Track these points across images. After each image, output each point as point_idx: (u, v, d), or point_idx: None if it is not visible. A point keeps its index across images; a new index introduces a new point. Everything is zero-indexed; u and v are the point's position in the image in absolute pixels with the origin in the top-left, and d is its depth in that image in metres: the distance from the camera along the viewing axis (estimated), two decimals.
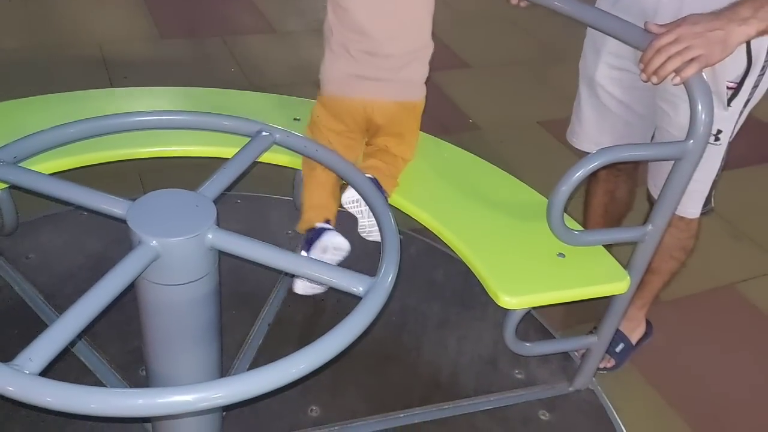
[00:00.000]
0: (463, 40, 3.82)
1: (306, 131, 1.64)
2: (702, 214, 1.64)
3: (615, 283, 1.46)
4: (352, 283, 0.94)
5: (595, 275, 1.46)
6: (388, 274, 0.96)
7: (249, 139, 1.26)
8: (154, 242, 0.97)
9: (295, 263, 0.99)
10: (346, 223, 1.61)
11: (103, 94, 1.82)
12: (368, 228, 1.51)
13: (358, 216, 1.51)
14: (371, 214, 1.40)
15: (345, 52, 1.47)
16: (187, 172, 1.63)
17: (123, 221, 1.01)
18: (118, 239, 1.75)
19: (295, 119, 1.76)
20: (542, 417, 1.66)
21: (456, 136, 2.93)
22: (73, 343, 1.51)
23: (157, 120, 1.28)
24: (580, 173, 1.27)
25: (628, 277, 1.47)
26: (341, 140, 1.57)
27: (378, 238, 1.48)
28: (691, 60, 1.20)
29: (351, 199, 1.47)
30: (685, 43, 1.20)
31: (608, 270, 1.47)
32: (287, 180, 2.10)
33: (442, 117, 3.10)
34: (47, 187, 1.05)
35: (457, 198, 1.62)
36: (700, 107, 1.23)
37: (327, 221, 1.52)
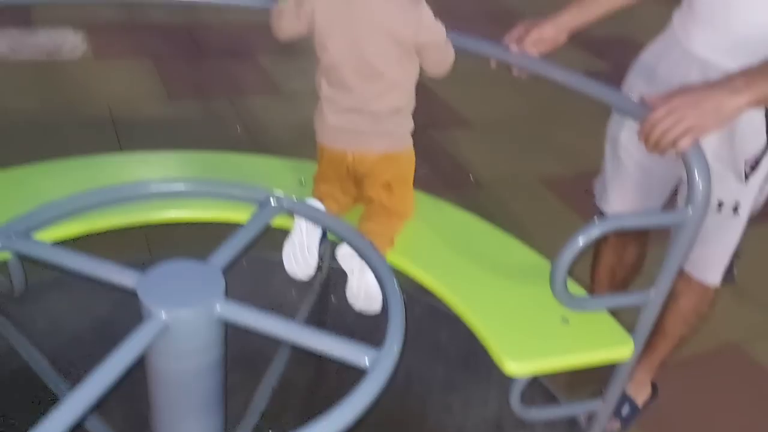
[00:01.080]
0: (463, 99, 3.91)
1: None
2: (723, 283, 1.66)
3: (619, 348, 1.45)
4: (357, 355, 0.94)
5: (600, 340, 1.45)
6: (393, 346, 0.97)
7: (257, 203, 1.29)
8: (163, 314, 0.98)
9: (301, 335, 1.00)
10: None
11: (113, 159, 1.85)
12: (356, 289, 1.51)
13: (348, 273, 1.52)
14: (363, 271, 1.45)
15: (332, 105, 1.53)
16: (195, 232, 1.66)
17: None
18: (124, 303, 1.77)
19: (301, 184, 1.79)
20: None
21: (458, 195, 2.96)
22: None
23: (167, 188, 1.31)
24: (580, 242, 1.28)
25: (632, 343, 1.46)
26: (333, 188, 1.62)
27: (366, 307, 1.51)
28: (686, 130, 1.22)
29: (347, 252, 1.48)
30: (678, 115, 1.22)
31: (612, 335, 1.47)
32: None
33: (444, 175, 3.15)
34: (59, 259, 1.07)
35: (459, 260, 1.62)
36: (697, 176, 1.25)
37: None
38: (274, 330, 1.01)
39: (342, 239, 1.30)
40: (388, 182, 1.62)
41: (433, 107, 3.80)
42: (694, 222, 1.30)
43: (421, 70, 1.54)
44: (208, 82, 3.76)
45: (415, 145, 3.42)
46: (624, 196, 1.74)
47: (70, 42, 3.89)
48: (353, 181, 1.64)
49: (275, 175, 1.83)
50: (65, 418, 0.81)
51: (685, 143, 1.23)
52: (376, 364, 0.92)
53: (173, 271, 1.07)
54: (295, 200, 1.33)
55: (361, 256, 1.23)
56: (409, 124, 1.61)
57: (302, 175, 1.81)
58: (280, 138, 3.28)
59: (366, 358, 0.94)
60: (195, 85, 3.70)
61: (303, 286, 1.81)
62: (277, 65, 4.01)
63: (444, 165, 3.25)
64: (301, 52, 4.30)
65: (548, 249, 1.52)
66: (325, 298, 2.00)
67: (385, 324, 1.02)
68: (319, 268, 1.61)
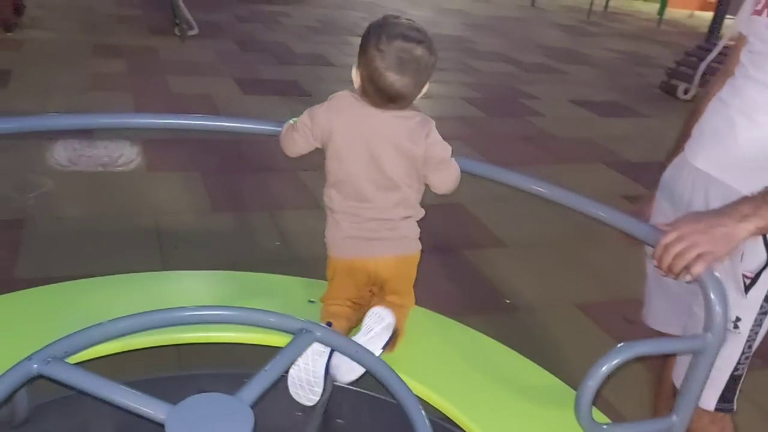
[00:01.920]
0: (498, 219, 3.95)
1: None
2: (718, 410, 1.59)
3: None
4: None
5: None
6: None
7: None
8: None
9: None
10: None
11: (151, 277, 1.92)
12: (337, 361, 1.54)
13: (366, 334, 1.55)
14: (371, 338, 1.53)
15: (350, 217, 1.61)
16: (226, 347, 1.70)
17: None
18: (130, 425, 1.75)
19: (310, 301, 1.82)
20: None
21: (492, 317, 2.94)
22: None
23: (204, 315, 1.34)
24: (604, 369, 1.27)
25: None
26: (343, 307, 1.68)
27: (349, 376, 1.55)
28: (698, 257, 1.25)
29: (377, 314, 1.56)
30: (689, 241, 1.26)
31: None
32: None
33: (479, 297, 3.13)
34: (92, 387, 1.08)
35: (480, 386, 1.62)
36: (713, 300, 1.27)
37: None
38: None
39: (372, 372, 1.28)
40: (405, 282, 1.73)
41: (468, 228, 3.84)
42: (714, 347, 1.31)
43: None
44: (250, 196, 3.89)
45: (449, 266, 3.48)
46: (667, 311, 1.73)
47: (126, 155, 4.11)
48: (370, 289, 1.70)
49: (290, 294, 1.89)
50: None
51: (698, 269, 1.25)
52: None
53: (203, 405, 1.07)
54: (330, 331, 1.33)
55: (390, 389, 1.21)
56: (418, 229, 1.71)
57: (313, 294, 1.84)
58: (318, 252, 3.32)
59: None
60: (238, 198, 3.83)
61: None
62: (315, 180, 4.14)
63: (478, 286, 3.23)
64: None
65: (582, 375, 1.50)
66: (330, 420, 1.95)
67: None
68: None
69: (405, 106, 1.55)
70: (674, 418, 1.42)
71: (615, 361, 1.28)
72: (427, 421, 1.12)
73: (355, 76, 1.54)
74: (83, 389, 1.08)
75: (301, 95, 5.89)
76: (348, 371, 1.55)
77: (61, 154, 4.00)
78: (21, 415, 1.60)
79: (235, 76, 6.12)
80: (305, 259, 3.20)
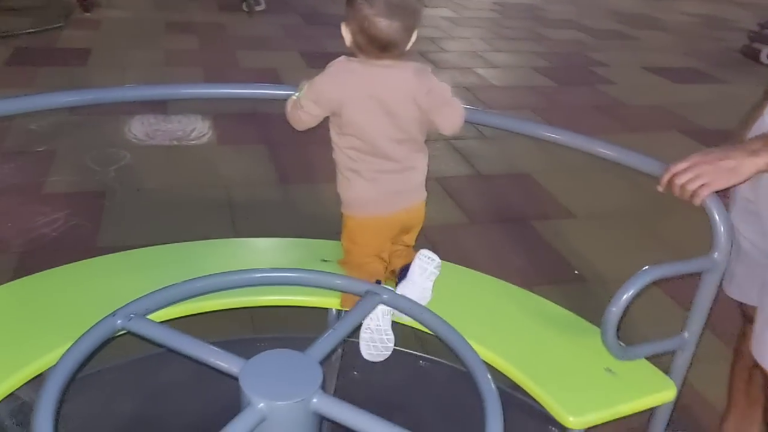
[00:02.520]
0: (567, 190, 3.87)
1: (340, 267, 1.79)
2: None
3: (663, 392, 1.59)
4: None
5: (645, 387, 1.58)
6: None
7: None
8: (261, 404, 1.01)
9: None
10: None
11: (224, 244, 2.00)
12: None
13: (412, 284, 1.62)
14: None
15: (383, 174, 1.66)
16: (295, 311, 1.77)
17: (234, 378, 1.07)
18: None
19: (323, 260, 1.87)
20: None
21: (561, 288, 2.89)
22: None
23: (277, 277, 1.39)
24: (627, 295, 1.44)
25: (675, 386, 1.60)
26: (377, 258, 1.75)
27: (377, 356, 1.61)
28: (702, 186, 1.37)
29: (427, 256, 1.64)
30: (695, 172, 1.38)
31: (656, 381, 1.61)
32: None
33: (547, 268, 3.09)
34: (172, 342, 1.14)
35: (544, 351, 1.67)
36: (718, 222, 1.46)
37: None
38: (369, 429, 1.01)
39: (434, 332, 1.30)
40: (421, 223, 1.82)
41: (536, 199, 3.78)
42: (721, 266, 1.50)
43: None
44: (315, 168, 3.94)
45: (517, 237, 3.45)
46: (746, 279, 1.68)
47: (199, 128, 4.24)
48: (396, 238, 1.79)
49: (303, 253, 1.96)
50: None
51: (700, 197, 1.39)
52: None
53: (274, 362, 1.11)
54: (395, 293, 1.35)
55: (454, 350, 1.22)
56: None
57: (325, 254, 1.91)
58: None
59: None
60: (303, 170, 3.90)
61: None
62: None
63: (546, 257, 3.19)
64: None
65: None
66: (347, 373, 2.03)
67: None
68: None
69: (399, 55, 1.58)
70: (685, 334, 1.61)
71: (634, 288, 1.44)
72: (493, 386, 1.12)
73: (346, 32, 1.58)
74: (163, 344, 1.14)
75: None
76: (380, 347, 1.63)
77: (138, 128, 4.17)
78: None
79: (300, 50, 6.17)
80: None
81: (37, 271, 1.78)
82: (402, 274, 1.68)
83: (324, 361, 1.14)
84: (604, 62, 6.73)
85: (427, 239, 3.19)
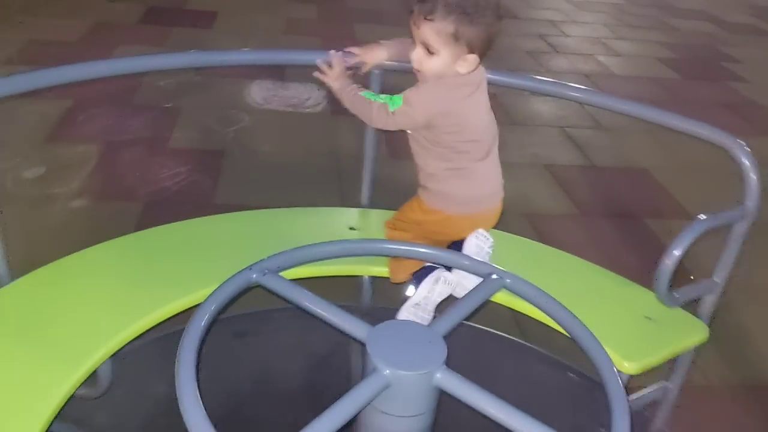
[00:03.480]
0: (686, 188, 3.67)
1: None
2: None
3: (698, 334, 1.73)
4: None
5: (682, 331, 1.72)
6: None
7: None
8: (387, 372, 1.03)
9: (515, 420, 0.99)
10: None
11: (342, 212, 2.11)
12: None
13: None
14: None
15: (488, 170, 1.72)
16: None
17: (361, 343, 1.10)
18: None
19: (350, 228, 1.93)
20: None
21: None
22: None
23: (403, 250, 1.41)
24: (682, 246, 1.61)
25: (707, 328, 1.74)
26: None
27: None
28: None
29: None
30: None
31: (691, 324, 1.76)
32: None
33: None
34: (303, 300, 1.18)
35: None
36: (750, 173, 1.71)
37: None
38: (490, 409, 1.01)
39: (557, 321, 1.27)
40: None
41: (652, 195, 3.62)
42: (751, 214, 1.72)
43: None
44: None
45: (629, 234, 3.32)
46: None
47: (314, 97, 4.32)
48: None
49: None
50: None
51: None
52: None
53: (399, 331, 1.13)
54: (519, 278, 1.33)
55: (581, 344, 1.20)
56: None
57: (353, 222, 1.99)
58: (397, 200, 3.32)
59: None
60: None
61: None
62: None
63: (659, 258, 3.04)
64: (519, 123, 4.36)
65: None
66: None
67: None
68: None
69: None
70: (715, 277, 1.82)
71: (688, 238, 1.59)
72: (620, 383, 1.09)
73: (462, 58, 1.55)
74: (295, 302, 1.19)
75: None
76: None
77: (256, 93, 4.30)
78: (103, 386, 1.64)
79: None
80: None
81: (160, 221, 1.89)
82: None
83: (447, 337, 1.14)
84: (736, 58, 6.29)
85: (533, 228, 3.14)
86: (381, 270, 1.76)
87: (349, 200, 3.19)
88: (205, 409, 0.93)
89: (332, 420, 0.94)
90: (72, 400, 1.32)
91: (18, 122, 3.51)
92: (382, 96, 1.67)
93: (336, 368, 2.01)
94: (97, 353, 1.40)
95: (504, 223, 3.40)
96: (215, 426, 0.91)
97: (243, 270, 1.23)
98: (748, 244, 1.87)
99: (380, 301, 2.08)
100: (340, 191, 3.30)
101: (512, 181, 3.52)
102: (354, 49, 1.82)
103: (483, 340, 2.23)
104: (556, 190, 3.54)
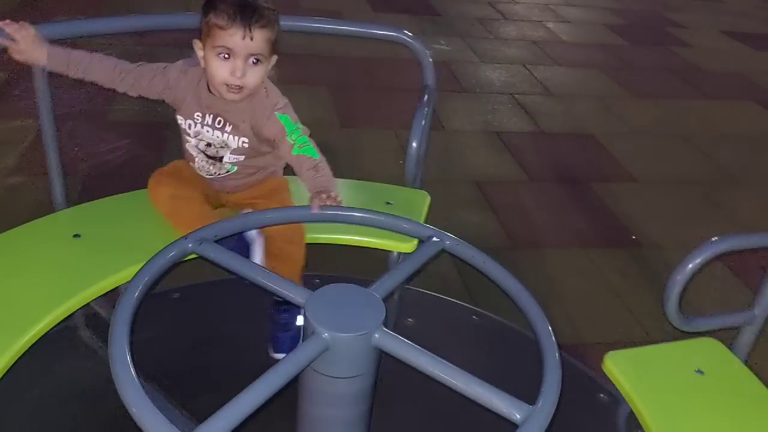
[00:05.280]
0: (631, 153, 3.75)
1: None
2: None
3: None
4: (510, 409, 0.93)
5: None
6: (548, 404, 0.94)
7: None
8: (326, 334, 1.03)
9: (454, 378, 1.00)
10: None
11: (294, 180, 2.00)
12: None
13: None
14: None
15: None
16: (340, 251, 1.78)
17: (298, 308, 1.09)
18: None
19: (387, 203, 1.90)
20: None
21: (616, 252, 2.84)
22: None
23: (343, 215, 1.41)
24: (692, 264, 1.39)
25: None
26: None
27: None
28: None
29: None
30: None
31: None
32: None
33: (604, 231, 3.03)
34: (241, 268, 1.17)
35: None
36: None
37: None
38: (428, 367, 1.02)
39: (495, 281, 1.29)
40: None
41: (599, 160, 3.68)
42: None
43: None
44: (376, 114, 3.92)
45: (577, 197, 3.39)
46: None
47: None
48: None
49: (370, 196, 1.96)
50: (229, 419, 0.87)
51: None
52: (529, 421, 0.90)
53: (339, 295, 1.12)
54: (458, 240, 1.34)
55: (516, 301, 1.21)
56: None
57: (390, 197, 1.94)
58: (438, 172, 3.34)
59: (518, 413, 0.92)
60: (365, 115, 3.88)
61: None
62: (442, 103, 4.10)
63: (604, 220, 3.12)
64: (469, 90, 4.37)
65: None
66: (401, 320, 2.06)
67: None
68: None
69: None
70: (756, 309, 1.54)
71: (700, 258, 1.39)
72: (553, 337, 1.11)
73: (272, 61, 1.64)
74: (232, 270, 1.17)
75: (432, 14, 5.77)
76: None
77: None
78: None
79: None
80: (425, 180, 3.22)
81: (102, 195, 1.84)
82: None
83: (386, 300, 1.15)
84: (681, 23, 6.42)
85: (483, 194, 3.17)
86: (329, 237, 1.76)
87: None
88: (143, 380, 0.92)
89: (272, 382, 0.94)
90: None
91: None
92: (297, 140, 1.66)
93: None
94: (31, 330, 1.36)
95: (454, 189, 3.44)
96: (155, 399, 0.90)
97: (179, 240, 1.20)
98: None
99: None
100: None
101: (462, 149, 3.63)
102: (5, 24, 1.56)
103: (430, 305, 2.26)
104: (506, 156, 3.57)
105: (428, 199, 2.01)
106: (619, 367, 1.46)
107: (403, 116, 3.90)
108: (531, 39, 5.47)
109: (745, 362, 1.56)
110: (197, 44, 1.58)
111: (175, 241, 1.20)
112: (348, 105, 3.95)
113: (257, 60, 1.54)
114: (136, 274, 1.09)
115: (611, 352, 1.50)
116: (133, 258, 1.49)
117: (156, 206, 1.71)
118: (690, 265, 1.40)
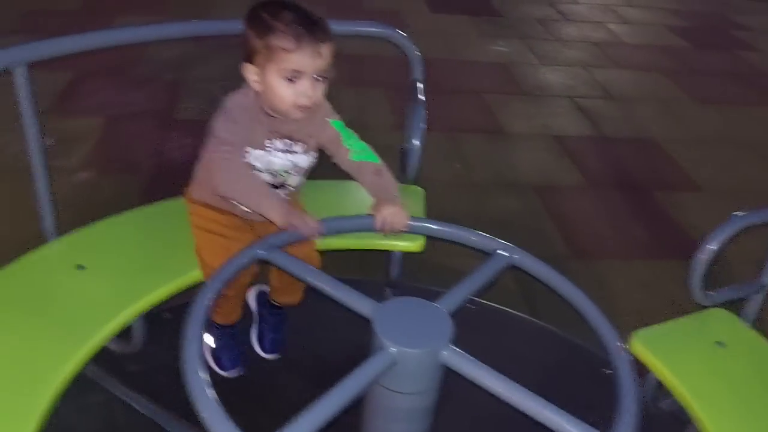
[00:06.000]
0: (695, 161, 3.63)
1: None
2: None
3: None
4: None
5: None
6: None
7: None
8: (393, 349, 1.03)
9: (524, 400, 0.99)
10: None
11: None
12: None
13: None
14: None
15: None
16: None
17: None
18: None
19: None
20: None
21: (680, 264, 2.74)
22: None
23: (418, 227, 1.41)
24: (715, 242, 1.48)
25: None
26: None
27: None
28: None
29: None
30: None
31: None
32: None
33: (668, 240, 2.94)
34: (308, 276, 1.17)
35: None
36: None
37: None
38: (497, 388, 1.01)
39: (566, 297, 1.26)
40: None
41: (661, 167, 3.58)
42: None
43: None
44: (433, 115, 3.87)
45: (637, 204, 3.29)
46: None
47: None
48: None
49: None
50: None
51: None
52: None
53: (406, 308, 1.12)
54: (526, 254, 1.32)
55: (592, 324, 1.19)
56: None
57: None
58: (495, 176, 3.29)
59: None
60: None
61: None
62: (501, 105, 4.05)
63: (666, 230, 3.03)
64: (528, 92, 4.31)
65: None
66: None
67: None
68: None
69: None
70: (765, 278, 1.67)
71: (724, 235, 1.48)
72: (625, 352, 1.08)
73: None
74: (301, 277, 1.18)
75: (491, 15, 5.71)
76: None
77: None
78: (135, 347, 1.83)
79: None
80: (482, 184, 3.19)
81: (168, 195, 1.87)
82: None
83: (454, 314, 1.13)
84: (746, 26, 6.18)
85: (542, 200, 3.12)
86: (381, 244, 1.75)
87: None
88: (212, 384, 0.93)
89: (338, 398, 0.94)
90: None
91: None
92: (354, 145, 1.59)
93: (344, 341, 2.01)
94: (105, 328, 1.40)
95: (511, 194, 3.39)
96: (224, 407, 0.91)
97: (249, 247, 1.22)
98: None
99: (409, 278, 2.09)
100: None
101: (521, 153, 3.57)
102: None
103: (491, 316, 2.22)
104: (565, 161, 3.51)
105: (423, 193, 2.04)
106: (645, 344, 1.53)
107: (460, 118, 3.89)
108: (592, 40, 5.35)
109: (755, 328, 1.68)
110: (249, 68, 1.44)
111: (245, 249, 1.21)
112: (402, 106, 3.92)
113: (323, 76, 1.45)
114: (207, 282, 1.11)
115: (635, 331, 1.56)
116: (147, 284, 1.52)
117: (197, 240, 1.61)
118: (711, 244, 1.50)
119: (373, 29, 2.03)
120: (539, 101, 4.20)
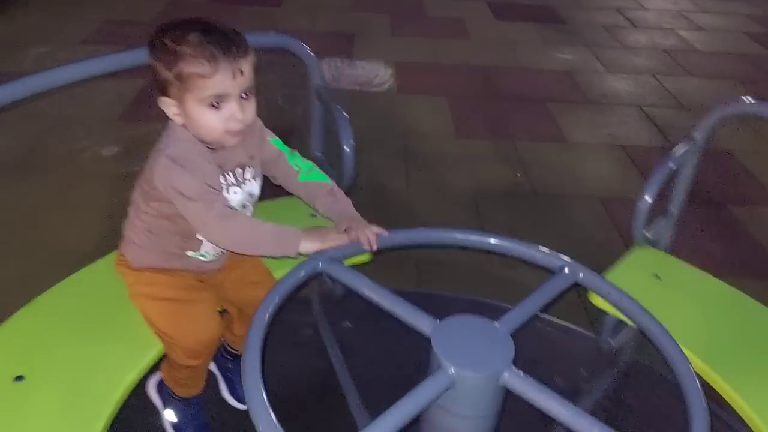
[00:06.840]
0: None
1: None
2: None
3: None
4: None
5: None
6: None
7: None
8: (452, 370, 1.00)
9: (586, 426, 0.94)
10: None
11: None
12: None
13: None
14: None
15: None
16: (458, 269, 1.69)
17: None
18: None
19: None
20: None
21: (762, 283, 2.61)
22: None
23: (480, 241, 1.37)
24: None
25: None
26: None
27: None
28: None
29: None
30: None
31: None
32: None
33: (746, 258, 2.80)
34: (366, 290, 1.16)
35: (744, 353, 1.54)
36: None
37: None
38: (558, 413, 0.96)
39: (633, 319, 1.21)
40: None
41: (737, 180, 3.41)
42: None
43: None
44: (495, 124, 3.84)
45: (712, 219, 3.17)
46: None
47: (381, 75, 4.28)
48: None
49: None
50: None
51: None
52: None
53: (465, 327, 1.09)
54: (592, 273, 1.27)
55: (656, 344, 1.13)
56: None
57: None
58: (558, 186, 3.21)
59: None
60: (482, 125, 3.81)
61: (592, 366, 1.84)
62: (565, 114, 3.96)
63: (746, 247, 2.88)
64: (594, 101, 4.19)
65: None
66: (621, 392, 1.94)
67: None
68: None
69: None
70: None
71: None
72: (699, 386, 1.03)
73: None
74: (359, 291, 1.16)
75: (556, 22, 5.60)
76: None
77: (325, 71, 4.28)
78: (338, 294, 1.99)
79: (488, 0, 5.99)
80: (544, 194, 3.12)
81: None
82: None
83: (514, 335, 1.10)
84: None
85: (608, 212, 3.02)
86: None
87: (414, 181, 3.15)
88: (270, 399, 0.93)
89: (394, 419, 0.92)
90: None
91: (93, 101, 3.62)
92: (301, 164, 1.52)
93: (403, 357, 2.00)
94: None
95: (577, 205, 3.31)
96: (282, 424, 0.90)
97: (310, 258, 1.22)
98: None
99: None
100: (405, 172, 3.26)
101: (586, 162, 3.47)
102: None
103: (551, 331, 2.17)
104: (633, 172, 3.39)
105: None
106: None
107: (523, 127, 3.82)
108: (661, 48, 5.18)
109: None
110: (166, 102, 1.28)
111: (306, 260, 1.21)
112: (465, 114, 3.89)
113: (249, 93, 1.29)
114: (266, 296, 1.11)
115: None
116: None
117: (147, 312, 1.43)
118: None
119: (270, 39, 1.85)
120: (605, 110, 4.08)
